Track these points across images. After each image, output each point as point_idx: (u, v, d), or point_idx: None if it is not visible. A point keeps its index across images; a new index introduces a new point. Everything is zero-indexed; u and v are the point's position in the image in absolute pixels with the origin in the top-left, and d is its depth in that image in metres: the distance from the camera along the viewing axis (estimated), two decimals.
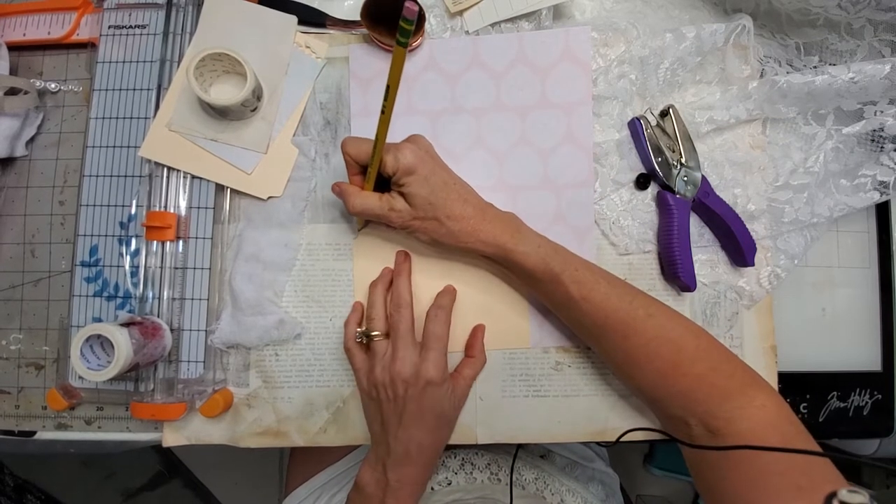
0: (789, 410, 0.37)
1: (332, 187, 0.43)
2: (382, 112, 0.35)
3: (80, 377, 0.39)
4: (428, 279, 0.46)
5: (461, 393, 0.44)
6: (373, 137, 0.37)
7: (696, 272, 0.45)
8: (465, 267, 0.46)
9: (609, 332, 0.40)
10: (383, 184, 0.41)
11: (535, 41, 0.46)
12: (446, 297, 0.44)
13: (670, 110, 0.45)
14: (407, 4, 0.27)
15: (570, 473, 0.59)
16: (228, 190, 0.46)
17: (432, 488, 0.52)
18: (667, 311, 0.40)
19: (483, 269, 0.46)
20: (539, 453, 0.60)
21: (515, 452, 0.51)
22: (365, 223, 0.46)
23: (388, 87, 0.33)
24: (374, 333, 0.42)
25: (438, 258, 0.46)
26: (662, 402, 0.40)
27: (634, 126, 0.46)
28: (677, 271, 0.44)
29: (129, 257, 0.45)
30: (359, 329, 0.43)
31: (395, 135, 0.47)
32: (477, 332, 0.46)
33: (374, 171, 0.39)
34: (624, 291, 0.40)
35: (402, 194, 0.40)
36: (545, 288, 0.41)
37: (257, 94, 0.44)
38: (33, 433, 0.46)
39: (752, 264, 0.45)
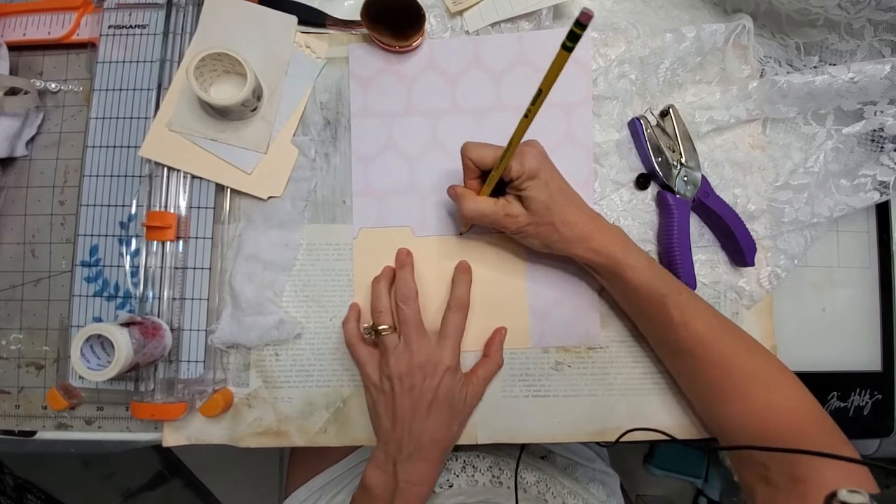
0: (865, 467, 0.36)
1: (447, 190, 0.42)
2: (525, 116, 0.34)
3: (81, 377, 0.39)
4: (429, 281, 0.46)
5: (474, 391, 0.44)
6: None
7: (696, 272, 0.45)
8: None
9: (704, 363, 0.39)
10: (495, 188, 0.40)
11: (535, 41, 0.46)
12: (465, 288, 0.44)
13: (670, 110, 0.45)
14: (584, 10, 0.26)
15: (570, 474, 0.59)
16: (228, 190, 0.46)
17: (434, 490, 0.51)
18: (768, 353, 0.40)
19: (484, 269, 0.46)
20: (540, 454, 0.60)
21: (519, 455, 0.51)
22: (471, 226, 0.46)
23: (539, 91, 0.32)
24: (381, 328, 0.42)
25: (439, 258, 0.46)
26: (743, 441, 0.38)
27: (634, 126, 0.46)
28: (677, 271, 0.44)
29: (129, 257, 0.45)
30: (365, 325, 0.43)
31: (395, 134, 0.47)
32: (496, 335, 0.45)
33: (499, 175, 0.38)
34: (726, 324, 0.40)
35: (520, 198, 0.39)
36: (646, 307, 0.40)
37: (257, 94, 0.44)
38: (33, 433, 0.46)
39: (752, 264, 0.45)
